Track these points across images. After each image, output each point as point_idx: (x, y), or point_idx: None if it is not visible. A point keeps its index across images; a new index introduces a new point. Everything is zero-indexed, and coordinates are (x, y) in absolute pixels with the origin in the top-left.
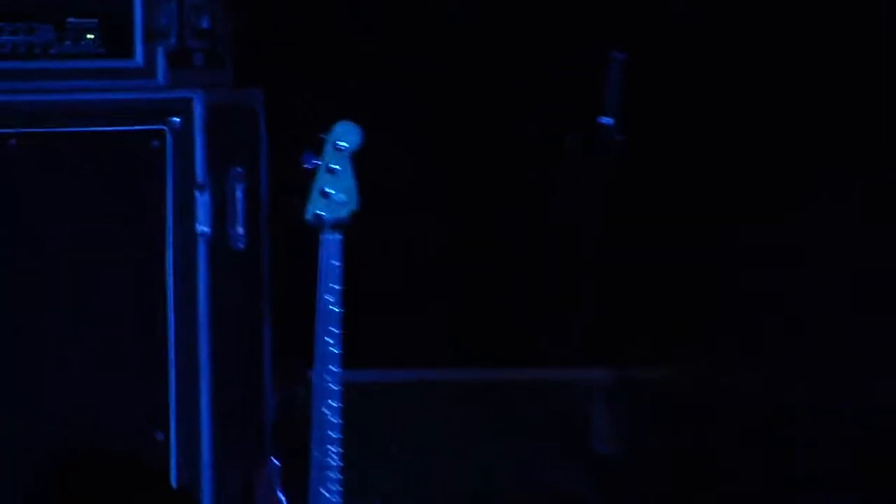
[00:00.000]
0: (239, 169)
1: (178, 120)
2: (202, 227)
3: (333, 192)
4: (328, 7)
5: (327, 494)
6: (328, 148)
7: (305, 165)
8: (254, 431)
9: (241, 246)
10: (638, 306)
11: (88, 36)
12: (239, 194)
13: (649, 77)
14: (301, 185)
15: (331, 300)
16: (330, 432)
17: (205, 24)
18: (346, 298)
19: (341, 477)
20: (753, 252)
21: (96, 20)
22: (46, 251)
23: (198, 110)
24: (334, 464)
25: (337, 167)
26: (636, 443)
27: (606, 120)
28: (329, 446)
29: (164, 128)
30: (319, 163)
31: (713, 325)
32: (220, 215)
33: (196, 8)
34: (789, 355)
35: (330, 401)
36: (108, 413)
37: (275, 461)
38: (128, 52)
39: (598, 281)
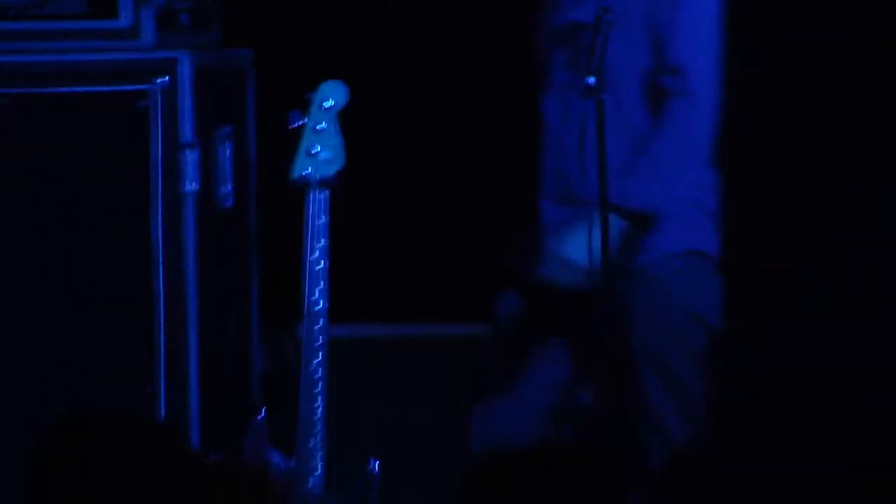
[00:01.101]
0: (227, 128)
1: (164, 80)
2: (189, 186)
3: (320, 150)
4: None
5: (313, 444)
6: (314, 107)
7: (292, 125)
8: (242, 384)
9: (230, 204)
10: None
11: (89, 12)
12: (227, 153)
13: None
14: (288, 144)
15: (318, 256)
16: (317, 386)
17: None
18: (332, 254)
19: (326, 427)
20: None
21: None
22: (34, 210)
23: (184, 71)
24: (320, 415)
25: (323, 125)
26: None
27: (590, 80)
28: (315, 398)
29: (150, 88)
30: (306, 121)
31: None
32: (207, 174)
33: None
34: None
35: (316, 355)
36: (99, 368)
37: (262, 412)
38: (113, 13)
39: None
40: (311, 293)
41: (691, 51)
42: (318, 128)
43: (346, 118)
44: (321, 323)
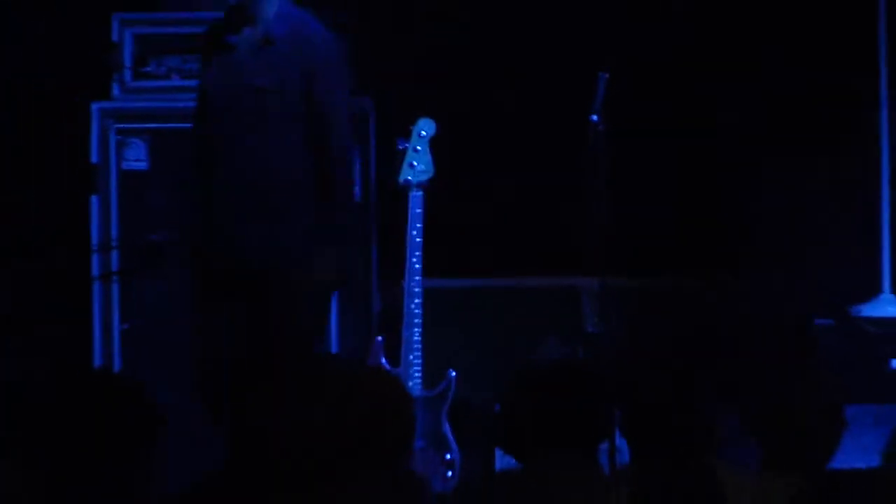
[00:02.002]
0: (356, 149)
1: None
2: None
3: (417, 164)
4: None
5: (412, 358)
6: (414, 135)
7: (399, 147)
8: (365, 319)
9: (358, 197)
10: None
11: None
12: (356, 166)
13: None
14: (397, 159)
15: (416, 234)
16: (415, 320)
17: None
18: (425, 233)
19: (421, 348)
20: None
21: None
22: None
23: None
24: (417, 339)
25: (419, 148)
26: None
27: (594, 117)
28: (415, 329)
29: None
30: (408, 145)
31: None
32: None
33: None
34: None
35: (415, 299)
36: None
37: (379, 338)
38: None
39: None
40: (412, 257)
41: None
42: (416, 148)
43: (440, 141)
44: (417, 277)
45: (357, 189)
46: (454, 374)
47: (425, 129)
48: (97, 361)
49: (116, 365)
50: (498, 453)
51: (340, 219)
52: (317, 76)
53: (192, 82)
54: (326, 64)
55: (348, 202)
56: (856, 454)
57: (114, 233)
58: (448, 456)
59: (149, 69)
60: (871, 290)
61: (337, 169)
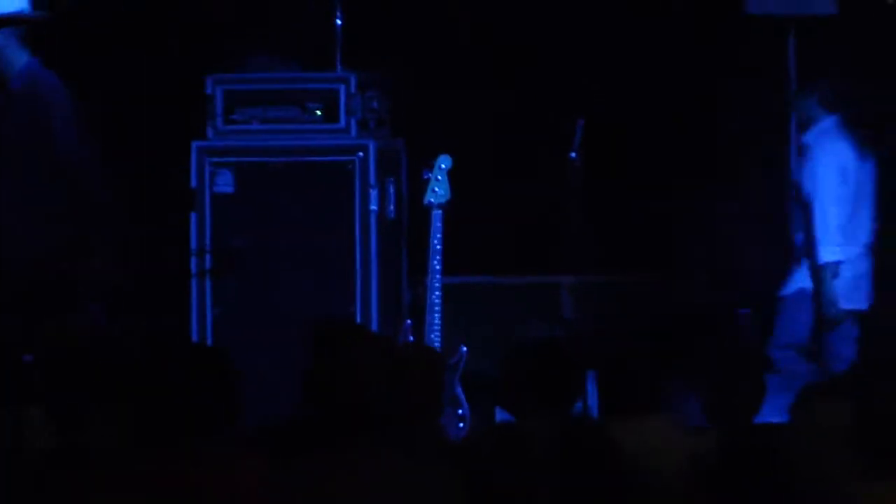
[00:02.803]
0: (391, 178)
1: (361, 154)
2: (373, 207)
3: (438, 189)
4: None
5: (434, 339)
6: (436, 167)
7: (424, 177)
8: (398, 307)
9: (392, 216)
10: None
11: (318, 112)
12: (391, 190)
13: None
14: (422, 184)
15: (437, 243)
16: (436, 309)
17: (375, 105)
18: (444, 241)
19: (440, 331)
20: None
21: (321, 104)
22: (290, 221)
23: (370, 149)
24: (437, 322)
25: (440, 177)
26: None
27: (573, 154)
28: (435, 315)
29: (355, 158)
30: (431, 175)
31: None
32: (382, 201)
33: (370, 98)
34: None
35: (436, 292)
36: (325, 300)
37: (408, 322)
38: (336, 120)
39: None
40: (433, 260)
41: None
42: (437, 178)
43: (457, 170)
44: (438, 276)
45: (392, 208)
46: (465, 349)
47: (444, 162)
48: (194, 337)
49: (209, 339)
50: (497, 410)
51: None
52: (52, 125)
53: (270, 126)
54: (60, 115)
55: (97, 213)
56: (773, 413)
57: (207, 241)
58: (460, 412)
59: (235, 116)
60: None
61: (80, 196)
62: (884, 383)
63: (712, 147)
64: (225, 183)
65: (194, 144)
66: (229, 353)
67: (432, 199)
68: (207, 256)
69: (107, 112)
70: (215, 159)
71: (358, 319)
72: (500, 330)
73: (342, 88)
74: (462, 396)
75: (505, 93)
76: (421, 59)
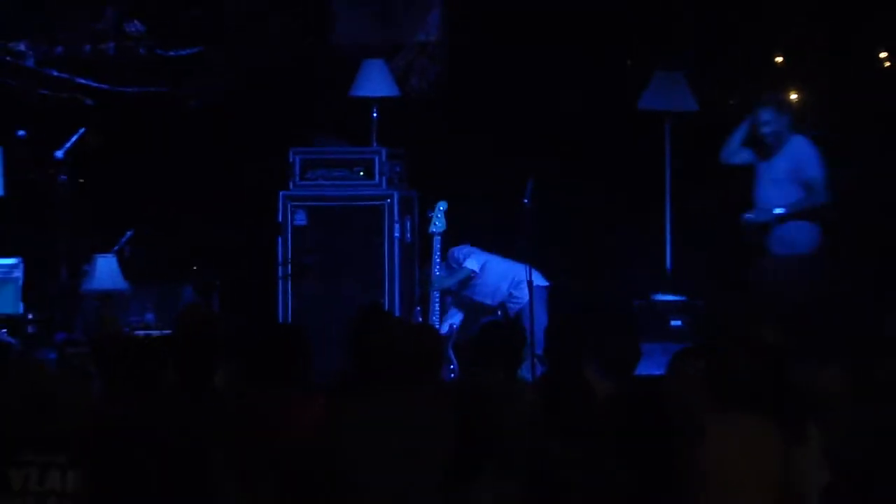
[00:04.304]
0: (408, 216)
1: (389, 200)
2: (396, 235)
3: (437, 224)
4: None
5: (435, 320)
6: (436, 209)
7: (428, 214)
8: (411, 299)
9: (409, 241)
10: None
11: (361, 173)
12: (407, 225)
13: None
14: (427, 220)
15: (437, 258)
16: (435, 301)
17: (397, 169)
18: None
19: (439, 314)
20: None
21: (363, 168)
22: (342, 244)
23: (395, 197)
24: (437, 310)
25: (440, 215)
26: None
27: (526, 201)
28: (436, 304)
29: (385, 203)
30: (432, 214)
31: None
32: (402, 231)
33: (394, 165)
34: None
35: (436, 289)
36: (365, 295)
37: (417, 308)
38: (373, 178)
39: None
40: (434, 268)
41: None
42: (437, 216)
43: (450, 211)
44: (436, 280)
45: (409, 236)
46: (455, 326)
47: (441, 206)
48: (280, 319)
49: (290, 320)
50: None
51: None
52: None
53: (329, 181)
54: None
55: None
56: (652, 368)
57: (289, 256)
58: (451, 367)
59: (307, 175)
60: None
61: None
62: (724, 349)
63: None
64: (300, 219)
65: (281, 193)
66: (303, 330)
67: (433, 230)
68: (289, 267)
69: (227, 170)
70: (294, 203)
71: (386, 307)
72: (473, 315)
73: (376, 158)
74: (452, 356)
75: (481, 162)
76: (427, 141)
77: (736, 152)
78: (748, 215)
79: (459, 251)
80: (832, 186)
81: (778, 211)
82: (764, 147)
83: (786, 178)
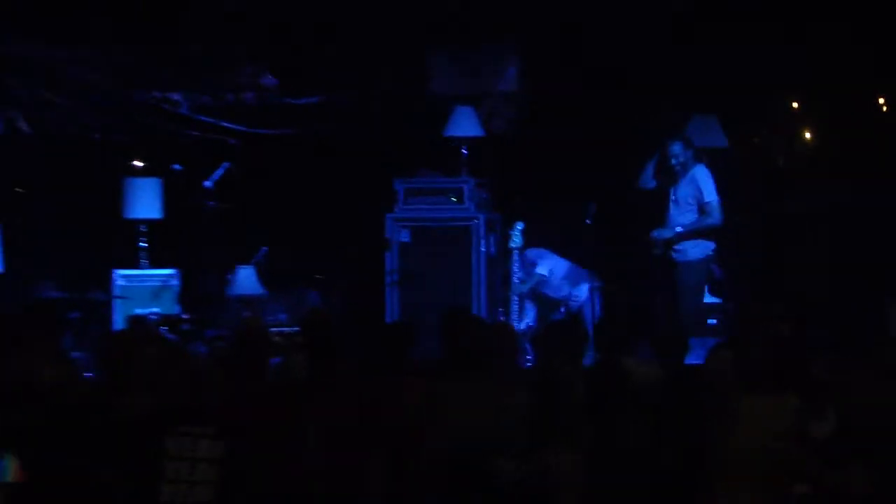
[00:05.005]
0: (491, 234)
1: (477, 221)
2: (483, 250)
3: (516, 240)
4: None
5: (514, 321)
6: (515, 228)
7: (509, 233)
8: (495, 303)
9: (493, 254)
10: None
11: (453, 199)
12: (492, 240)
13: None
14: (507, 237)
15: (515, 270)
16: (514, 303)
17: (484, 196)
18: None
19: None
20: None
21: (455, 195)
22: (438, 257)
23: (481, 219)
24: (515, 312)
25: (516, 233)
26: None
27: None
28: (513, 307)
29: (474, 223)
30: (512, 232)
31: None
32: (487, 246)
33: (481, 192)
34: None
35: (517, 294)
36: (457, 298)
37: (500, 310)
38: (463, 203)
39: None
40: (513, 278)
41: None
42: (516, 234)
43: (525, 230)
44: (514, 286)
45: (493, 250)
46: (532, 325)
47: (519, 226)
48: (388, 318)
49: (398, 317)
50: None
51: None
52: None
53: (428, 206)
54: None
55: None
56: (693, 359)
57: (395, 267)
58: (528, 357)
59: (409, 201)
60: None
61: None
62: (748, 342)
63: None
64: (404, 237)
65: (388, 216)
66: (409, 326)
67: (512, 246)
68: (395, 275)
69: (344, 197)
70: (399, 224)
71: (473, 309)
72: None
73: (466, 187)
74: (529, 349)
75: (551, 189)
76: (507, 172)
77: (650, 180)
78: (655, 232)
79: (534, 253)
80: (726, 209)
81: (678, 229)
82: (672, 175)
83: (686, 202)
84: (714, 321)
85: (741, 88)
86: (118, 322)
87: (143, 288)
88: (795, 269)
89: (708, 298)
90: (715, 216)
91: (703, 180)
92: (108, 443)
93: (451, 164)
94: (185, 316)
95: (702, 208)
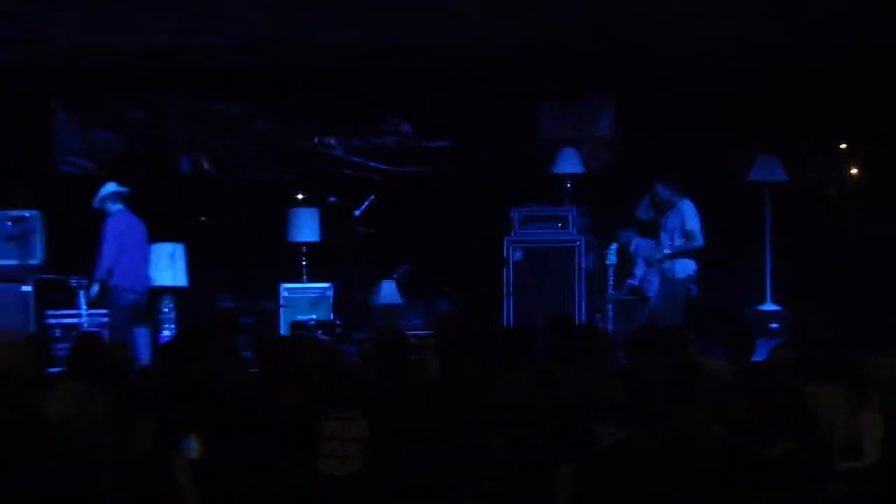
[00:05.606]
0: (591, 254)
1: (580, 242)
2: (583, 266)
3: (611, 258)
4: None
5: (609, 327)
6: (611, 249)
7: (605, 252)
8: (593, 310)
9: (591, 268)
10: None
11: (559, 225)
12: (591, 259)
13: None
14: (604, 256)
15: (610, 284)
16: (609, 311)
17: (585, 221)
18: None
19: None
20: None
21: (561, 222)
22: (543, 272)
23: (582, 240)
24: (610, 318)
25: (612, 252)
26: None
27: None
28: (609, 315)
29: (577, 244)
30: (608, 252)
31: None
32: (587, 264)
33: (582, 219)
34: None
35: (609, 304)
36: (561, 306)
37: (597, 316)
38: (567, 228)
39: None
40: (608, 289)
41: None
42: (611, 253)
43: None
44: (610, 296)
45: (592, 266)
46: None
47: (614, 246)
48: (506, 322)
49: (513, 322)
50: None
51: None
52: None
53: (538, 231)
54: None
55: None
56: (757, 357)
57: (511, 279)
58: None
59: (523, 227)
60: None
61: None
62: (801, 343)
63: None
64: (518, 256)
65: (506, 238)
66: (527, 329)
67: (608, 263)
68: (511, 287)
69: (469, 223)
70: (514, 245)
71: (574, 316)
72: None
73: (570, 215)
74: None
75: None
76: (604, 202)
77: (645, 211)
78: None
79: (632, 239)
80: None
81: (666, 251)
82: (661, 208)
83: (673, 229)
84: (776, 325)
85: (800, 133)
86: (283, 327)
87: (304, 298)
88: (842, 281)
89: (769, 306)
90: (698, 240)
91: (687, 212)
92: (275, 426)
93: (557, 195)
94: (337, 321)
95: (687, 235)
